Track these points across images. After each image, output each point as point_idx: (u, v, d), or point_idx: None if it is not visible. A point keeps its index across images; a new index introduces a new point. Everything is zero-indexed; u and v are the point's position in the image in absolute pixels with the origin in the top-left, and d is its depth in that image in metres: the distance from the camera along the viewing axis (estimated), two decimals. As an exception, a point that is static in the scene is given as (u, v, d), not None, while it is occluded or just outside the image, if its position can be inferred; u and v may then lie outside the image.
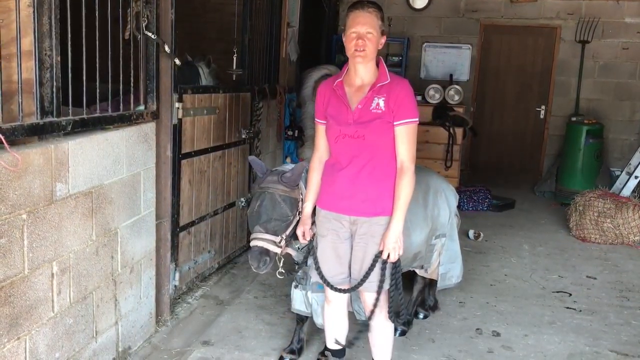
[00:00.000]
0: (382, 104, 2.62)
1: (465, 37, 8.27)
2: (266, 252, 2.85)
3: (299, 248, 3.09)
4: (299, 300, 3.34)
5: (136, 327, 3.34)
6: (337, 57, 7.97)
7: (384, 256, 2.68)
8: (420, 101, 7.08)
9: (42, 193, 2.43)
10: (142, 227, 3.32)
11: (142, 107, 3.28)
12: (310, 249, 2.94)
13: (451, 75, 8.01)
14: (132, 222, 3.19)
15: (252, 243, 2.86)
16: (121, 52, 3.06)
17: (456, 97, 7.12)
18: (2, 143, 2.12)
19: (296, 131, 6.22)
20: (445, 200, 3.67)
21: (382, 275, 2.75)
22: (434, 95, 7.15)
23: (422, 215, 3.50)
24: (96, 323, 2.91)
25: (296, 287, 3.33)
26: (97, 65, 2.83)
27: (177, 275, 3.89)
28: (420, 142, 6.95)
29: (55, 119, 2.52)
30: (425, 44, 8.33)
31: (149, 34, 3.24)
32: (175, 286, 3.87)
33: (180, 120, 3.75)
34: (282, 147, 6.19)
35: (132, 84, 3.18)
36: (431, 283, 3.93)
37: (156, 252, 3.56)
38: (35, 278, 2.43)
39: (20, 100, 2.32)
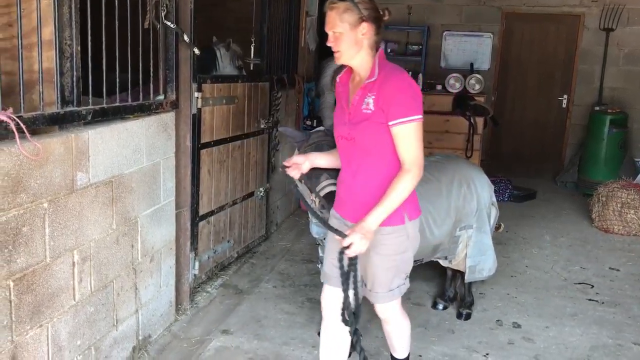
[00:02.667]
0: (371, 103, 2.35)
1: (486, 25, 8.15)
2: None
3: None
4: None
5: (156, 316, 3.37)
6: (356, 46, 7.93)
7: (344, 243, 2.33)
8: (441, 90, 7.01)
9: (63, 182, 2.44)
10: (162, 217, 3.33)
11: (161, 97, 3.28)
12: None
13: (472, 64, 7.91)
14: (152, 212, 3.21)
15: (328, 190, 2.78)
16: (140, 41, 3.06)
17: (477, 86, 7.02)
18: (24, 132, 2.14)
19: (314, 121, 6.18)
20: (474, 191, 3.59)
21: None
22: (454, 84, 7.06)
23: (444, 206, 3.47)
24: (117, 311, 2.94)
25: (319, 264, 3.39)
26: (117, 55, 2.83)
27: (197, 264, 3.91)
28: (441, 132, 6.92)
29: (76, 108, 2.53)
30: (446, 32, 8.23)
31: (168, 24, 3.23)
32: (194, 275, 3.89)
33: (199, 109, 3.75)
34: (300, 137, 6.17)
35: (151, 74, 3.17)
36: (455, 275, 3.90)
37: (176, 242, 3.57)
38: (57, 266, 2.45)
39: (41, 89, 2.33)
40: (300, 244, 5.16)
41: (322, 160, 2.71)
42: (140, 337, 3.19)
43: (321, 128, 3.09)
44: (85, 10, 2.56)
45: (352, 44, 2.37)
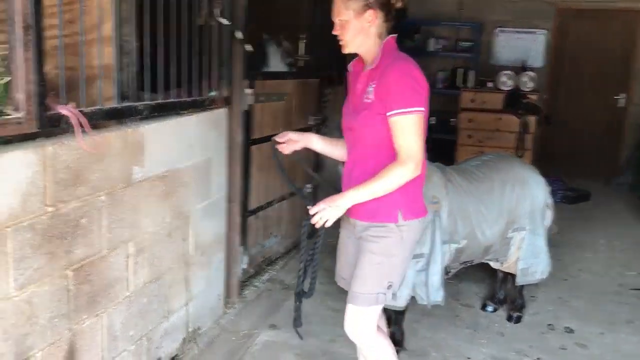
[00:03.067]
0: (371, 92, 2.23)
1: (539, 21, 7.94)
2: None
3: None
4: None
5: (205, 308, 3.42)
6: (406, 43, 7.85)
7: (311, 211, 2.26)
8: (492, 88, 6.88)
9: (120, 176, 2.50)
10: (213, 211, 3.38)
11: (214, 93, 3.32)
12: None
13: (524, 62, 7.72)
14: (203, 206, 3.25)
15: None
16: (193, 38, 3.10)
17: (530, 84, 6.86)
18: (84, 126, 2.19)
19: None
20: (528, 191, 3.51)
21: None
22: (506, 81, 6.91)
23: (496, 206, 3.41)
24: (168, 303, 2.99)
25: None
26: (174, 50, 2.87)
27: (246, 258, 3.94)
28: (491, 130, 6.79)
29: (133, 103, 2.59)
30: (498, 28, 8.06)
31: (223, 20, 3.27)
32: (243, 269, 3.93)
33: (250, 106, 3.77)
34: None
35: (205, 70, 3.21)
36: (506, 277, 3.82)
37: (226, 236, 3.62)
38: (113, 258, 2.51)
39: (100, 85, 2.39)
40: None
41: (319, 144, 2.61)
42: (190, 329, 3.24)
43: None
44: (143, 6, 2.62)
45: (357, 32, 2.26)
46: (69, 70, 2.40)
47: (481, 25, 8.01)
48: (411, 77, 2.19)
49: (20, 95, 1.96)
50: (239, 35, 3.38)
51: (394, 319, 3.34)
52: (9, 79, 2.01)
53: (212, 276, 3.46)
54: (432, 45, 7.95)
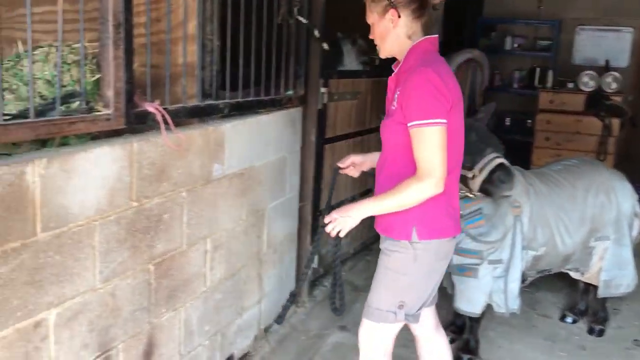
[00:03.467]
0: (396, 99, 2.11)
1: (625, 19, 7.53)
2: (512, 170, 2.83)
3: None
4: (447, 280, 3.23)
5: (276, 307, 3.42)
6: (481, 41, 7.64)
7: (325, 220, 2.20)
8: (572, 88, 6.58)
9: (201, 173, 2.53)
10: (286, 209, 3.38)
11: (290, 92, 3.32)
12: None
13: (607, 61, 7.34)
14: (277, 204, 3.26)
15: (496, 162, 2.77)
16: (268, 37, 3.10)
17: (613, 85, 6.51)
18: (168, 123, 2.23)
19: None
20: (614, 199, 3.33)
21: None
22: (587, 82, 6.59)
23: (578, 214, 3.25)
24: (242, 300, 3.02)
25: None
26: (253, 49, 2.89)
27: (316, 257, 3.93)
28: (571, 133, 6.50)
29: (215, 102, 2.61)
30: (579, 27, 7.70)
31: (301, 18, 3.26)
32: (313, 268, 3.92)
33: (324, 105, 3.75)
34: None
35: (283, 69, 3.21)
36: (588, 288, 3.64)
37: (297, 234, 3.62)
38: (192, 253, 2.55)
39: (184, 83, 2.43)
40: (416, 244, 5.05)
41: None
42: (261, 327, 3.26)
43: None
44: (226, 5, 2.64)
45: (384, 34, 2.15)
46: (152, 68, 2.45)
47: (560, 23, 7.67)
48: (432, 84, 1.99)
49: (109, 93, 2.01)
50: (316, 33, 3.37)
51: (468, 326, 3.24)
52: (99, 76, 2.07)
53: (284, 275, 3.47)
54: (509, 43, 7.68)
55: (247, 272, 3.04)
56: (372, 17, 2.19)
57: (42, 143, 1.91)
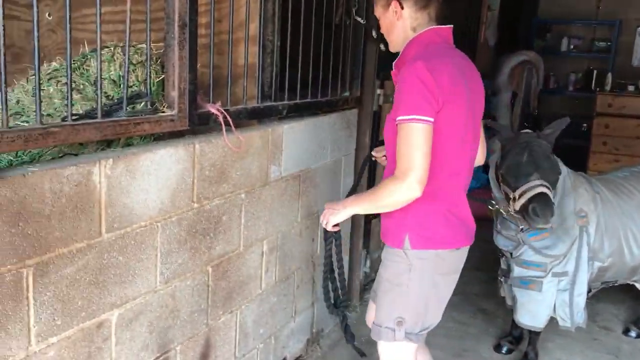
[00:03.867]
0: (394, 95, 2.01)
1: (690, 19, 7.23)
2: (552, 201, 2.61)
3: (518, 228, 2.86)
4: (507, 292, 3.17)
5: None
6: (536, 42, 7.44)
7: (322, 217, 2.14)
8: (633, 91, 6.35)
9: (259, 174, 2.51)
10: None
11: (347, 94, 3.27)
12: None
13: (671, 63, 7.07)
14: (331, 207, 3.21)
15: (536, 190, 2.58)
16: (331, 37, 3.06)
17: (678, 88, 6.25)
18: (229, 125, 2.21)
19: (489, 120, 5.89)
20: None
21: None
22: (649, 85, 6.35)
23: (644, 224, 3.10)
24: (295, 303, 2.98)
25: (500, 277, 3.17)
26: (311, 50, 2.85)
27: (368, 262, 3.88)
28: (631, 138, 6.26)
29: (274, 103, 2.58)
30: (639, 27, 7.43)
31: (359, 19, 3.21)
32: (365, 272, 3.86)
33: (380, 106, 3.69)
34: (472, 137, 5.92)
35: (340, 70, 3.17)
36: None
37: (350, 238, 3.56)
38: (248, 255, 2.53)
39: (245, 84, 2.41)
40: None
41: None
42: (314, 330, 3.22)
43: (529, 131, 2.89)
44: (285, 6, 2.61)
45: (389, 28, 2.07)
46: (217, 69, 2.44)
47: (620, 24, 7.41)
48: (419, 79, 1.84)
49: (174, 93, 2.00)
50: (374, 34, 3.31)
51: (527, 339, 3.13)
52: (163, 76, 2.06)
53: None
54: (565, 45, 7.46)
55: (301, 275, 3.00)
56: (378, 10, 2.11)
57: (107, 143, 1.92)
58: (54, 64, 2.23)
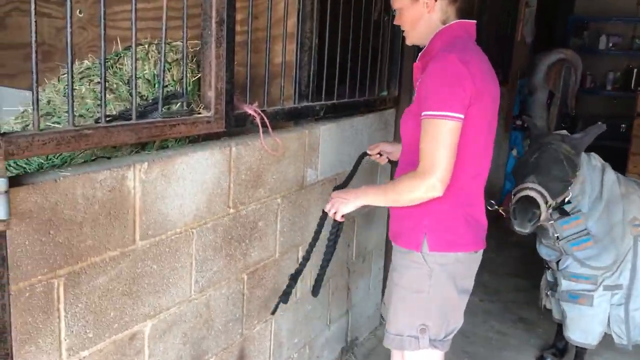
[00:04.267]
0: (416, 89, 1.91)
1: None
2: (537, 205, 2.45)
3: (554, 236, 2.70)
4: (554, 306, 3.02)
5: (363, 318, 3.27)
6: (572, 41, 7.22)
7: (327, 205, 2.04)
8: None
9: (295, 178, 2.40)
10: (374, 216, 3.21)
11: (384, 93, 3.15)
12: None
13: None
14: (366, 211, 3.10)
15: (522, 193, 2.48)
16: (370, 35, 2.95)
17: None
18: (267, 127, 2.10)
19: (525, 116, 5.71)
20: None
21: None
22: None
23: None
24: (330, 311, 2.87)
25: (546, 290, 3.00)
26: (350, 48, 2.73)
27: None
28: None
29: (311, 103, 2.47)
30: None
31: (397, 16, 3.07)
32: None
33: (417, 106, 3.56)
34: (508, 138, 5.74)
35: (378, 69, 3.05)
36: None
37: (385, 243, 3.44)
38: (284, 262, 2.42)
39: (282, 83, 2.30)
40: (503, 256, 4.76)
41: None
42: (348, 339, 3.11)
43: (564, 132, 2.75)
44: (325, 1, 2.49)
45: (415, 21, 1.93)
46: (245, 67, 2.34)
47: (663, 21, 7.15)
48: (452, 72, 1.75)
49: (210, 93, 1.90)
50: (413, 31, 3.18)
51: (575, 352, 2.97)
52: (198, 76, 1.96)
53: (371, 284, 3.30)
54: (603, 43, 7.21)
55: (336, 282, 2.89)
56: (400, 2, 1.97)
57: (141, 146, 1.83)
58: (85, 62, 2.15)
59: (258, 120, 2.07)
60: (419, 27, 1.96)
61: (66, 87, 1.87)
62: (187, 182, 1.84)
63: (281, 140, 2.24)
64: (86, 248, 1.54)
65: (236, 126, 2.02)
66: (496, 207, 2.64)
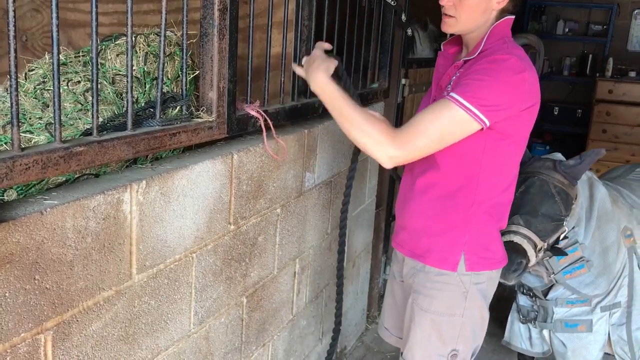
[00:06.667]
0: (452, 82, 1.69)
1: (686, 3, 7.07)
2: (524, 254, 2.07)
3: (549, 270, 2.40)
4: (523, 336, 2.66)
5: (351, 326, 3.07)
6: (531, 25, 7.18)
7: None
8: (635, 78, 6.17)
9: (294, 184, 2.15)
10: (364, 218, 3.00)
11: (375, 85, 2.91)
12: None
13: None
14: (357, 213, 2.88)
15: (507, 237, 2.07)
16: (361, 23, 2.69)
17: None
18: (270, 129, 1.84)
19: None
20: None
21: None
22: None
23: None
24: (323, 324, 2.65)
25: (524, 322, 2.62)
26: (345, 37, 2.48)
27: (388, 268, 3.56)
28: (630, 126, 6.15)
29: (309, 100, 2.21)
30: (637, 10, 7.22)
31: (389, 0, 2.83)
32: (384, 280, 3.55)
33: (404, 98, 3.35)
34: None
35: (369, 59, 2.80)
36: None
37: (372, 244, 3.24)
38: (282, 278, 2.17)
39: (282, 79, 2.03)
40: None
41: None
42: (338, 350, 2.90)
43: (557, 155, 2.36)
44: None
45: (480, 11, 1.67)
46: (241, 60, 2.05)
47: (618, 7, 7.20)
48: (507, 81, 1.56)
49: (211, 94, 1.61)
50: (404, 17, 2.95)
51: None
52: (197, 72, 1.67)
53: (359, 290, 3.10)
54: (561, 28, 7.21)
55: (329, 292, 2.66)
56: None
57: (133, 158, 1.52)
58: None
59: (262, 122, 1.80)
60: (474, 14, 1.68)
61: (37, 86, 1.54)
62: (187, 200, 1.56)
63: (283, 142, 1.97)
64: (77, 291, 1.25)
65: (238, 130, 1.74)
66: None
